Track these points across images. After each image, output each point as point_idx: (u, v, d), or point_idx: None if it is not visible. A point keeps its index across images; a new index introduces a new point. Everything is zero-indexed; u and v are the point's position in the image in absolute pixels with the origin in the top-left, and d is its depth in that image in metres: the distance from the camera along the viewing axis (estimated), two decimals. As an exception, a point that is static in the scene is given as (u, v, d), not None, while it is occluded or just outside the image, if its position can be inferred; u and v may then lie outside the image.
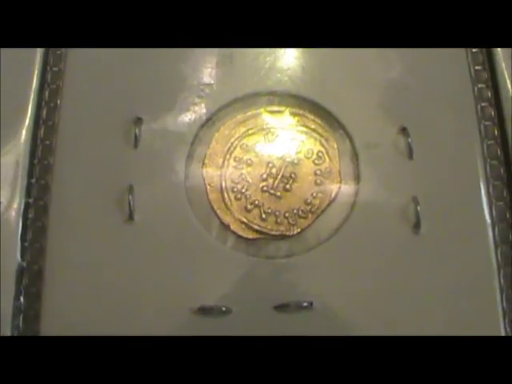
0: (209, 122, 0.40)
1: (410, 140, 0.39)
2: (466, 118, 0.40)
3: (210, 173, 0.39)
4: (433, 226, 0.38)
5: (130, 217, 0.38)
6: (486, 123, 0.40)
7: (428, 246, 0.38)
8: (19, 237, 0.39)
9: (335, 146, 0.40)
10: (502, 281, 0.37)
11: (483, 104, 0.40)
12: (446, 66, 0.41)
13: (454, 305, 0.37)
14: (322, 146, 0.39)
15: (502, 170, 0.39)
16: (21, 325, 0.38)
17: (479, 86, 0.40)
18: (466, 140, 0.40)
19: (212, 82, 0.41)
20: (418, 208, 0.38)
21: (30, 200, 0.40)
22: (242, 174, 0.39)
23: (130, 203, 0.38)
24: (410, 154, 0.39)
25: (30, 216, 0.39)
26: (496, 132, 0.40)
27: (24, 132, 0.41)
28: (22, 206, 0.40)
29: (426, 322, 0.37)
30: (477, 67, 0.41)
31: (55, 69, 0.42)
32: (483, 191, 0.39)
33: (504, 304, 0.37)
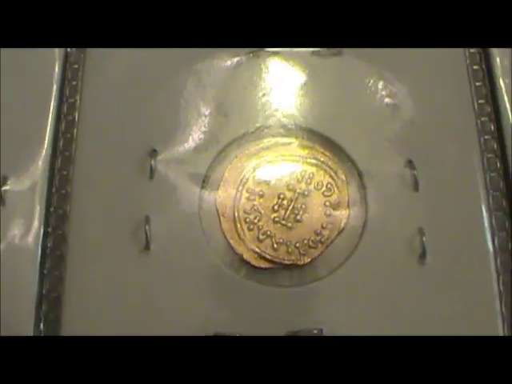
0: (222, 154, 0.42)
1: (415, 172, 0.40)
2: (469, 150, 0.42)
3: (224, 203, 0.41)
4: (438, 256, 0.39)
5: (147, 246, 0.40)
6: (489, 155, 0.41)
7: (433, 275, 0.39)
8: (38, 265, 0.40)
9: (344, 178, 0.41)
10: (503, 308, 0.39)
11: (486, 137, 0.42)
12: (451, 100, 0.42)
13: (458, 329, 0.39)
14: (331, 178, 0.41)
15: (503, 202, 0.40)
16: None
17: (482, 119, 0.42)
18: (470, 172, 0.41)
19: (225, 114, 0.42)
20: (424, 239, 0.39)
21: (49, 229, 0.41)
22: (254, 205, 0.41)
23: (146, 233, 0.40)
24: (416, 186, 0.40)
25: (49, 245, 0.41)
26: (498, 164, 0.41)
27: (41, 162, 0.42)
28: (41, 235, 0.41)
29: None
30: (480, 101, 0.42)
31: (71, 100, 0.44)
32: (486, 222, 0.40)
33: (505, 330, 0.38)
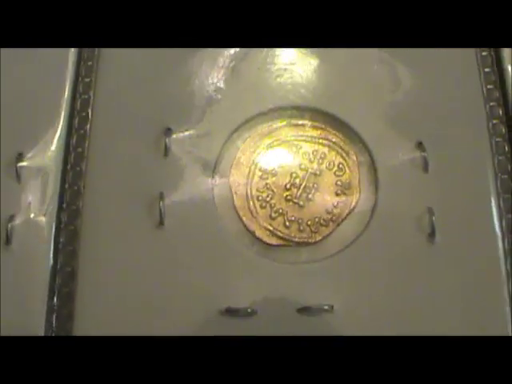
0: (235, 134, 0.42)
1: (425, 154, 0.41)
2: (478, 134, 0.42)
3: (237, 182, 0.41)
4: (446, 236, 0.40)
5: (161, 222, 0.40)
6: (497, 139, 0.42)
7: (442, 254, 0.40)
8: (52, 240, 0.41)
9: (355, 159, 0.42)
10: (510, 288, 0.40)
11: (494, 121, 0.43)
12: (460, 85, 0.43)
13: (465, 307, 0.39)
14: (343, 158, 0.42)
15: (511, 185, 0.41)
16: (54, 323, 0.40)
17: (491, 104, 0.43)
18: (478, 154, 0.42)
19: (239, 95, 0.43)
20: (433, 218, 0.40)
21: (64, 205, 0.42)
22: (266, 183, 0.41)
23: (160, 209, 0.40)
24: (426, 167, 0.41)
25: (63, 220, 0.41)
26: (506, 148, 0.42)
27: (56, 139, 0.43)
28: (56, 211, 0.41)
29: (438, 323, 0.39)
30: (489, 86, 0.43)
31: (86, 80, 0.44)
32: (494, 204, 0.41)
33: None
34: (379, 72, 0.43)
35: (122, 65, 0.44)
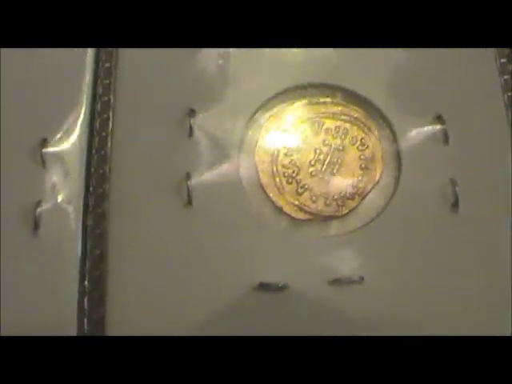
0: (258, 113, 0.43)
1: (445, 127, 0.42)
2: (494, 105, 0.43)
3: (262, 159, 0.42)
4: (469, 205, 0.41)
5: (189, 202, 0.41)
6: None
7: (466, 222, 0.41)
8: (81, 223, 0.41)
9: (376, 133, 0.43)
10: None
11: (509, 94, 0.44)
12: (476, 58, 0.44)
13: (489, 273, 0.40)
14: (365, 133, 0.43)
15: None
16: (86, 307, 0.40)
17: (505, 77, 0.44)
18: (496, 125, 0.43)
19: (260, 74, 0.43)
20: (457, 188, 0.41)
21: (90, 188, 0.42)
22: (291, 160, 0.42)
23: (188, 189, 0.41)
24: (446, 139, 0.42)
25: (90, 203, 0.42)
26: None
27: (79, 124, 0.43)
28: (82, 195, 0.42)
29: (463, 289, 0.40)
30: (502, 60, 0.44)
31: (107, 65, 0.44)
32: (513, 170, 0.42)
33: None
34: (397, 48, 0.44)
35: (142, 50, 0.44)
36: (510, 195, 0.41)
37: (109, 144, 0.43)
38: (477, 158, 0.42)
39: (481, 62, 0.44)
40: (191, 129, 0.42)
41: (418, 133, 0.43)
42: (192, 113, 0.42)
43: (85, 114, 0.43)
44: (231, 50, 0.44)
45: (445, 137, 0.42)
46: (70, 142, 0.43)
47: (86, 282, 0.40)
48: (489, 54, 0.44)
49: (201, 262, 0.40)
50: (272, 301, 0.39)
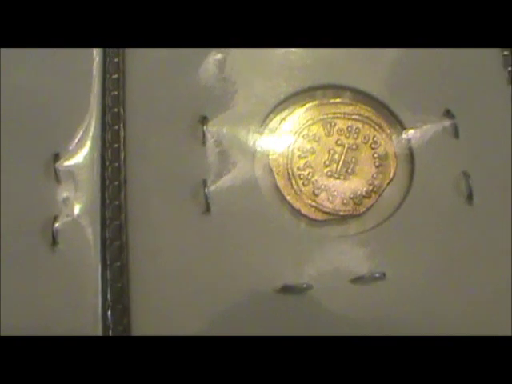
0: (270, 116, 0.43)
1: (454, 121, 0.43)
2: (501, 97, 0.44)
3: (277, 162, 0.42)
4: (484, 197, 0.42)
5: (207, 209, 0.41)
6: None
7: (481, 214, 0.42)
8: (99, 235, 0.41)
9: (388, 131, 0.43)
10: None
11: (514, 86, 0.45)
12: (479, 51, 0.45)
13: (504, 263, 0.41)
14: (377, 131, 0.43)
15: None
16: (109, 320, 0.40)
17: (510, 69, 0.45)
18: (503, 117, 0.44)
19: (270, 78, 0.44)
20: (470, 181, 0.41)
21: (106, 201, 0.42)
22: (307, 161, 0.42)
23: (206, 196, 0.41)
24: (456, 133, 0.43)
25: (108, 215, 0.41)
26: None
27: (91, 137, 0.43)
28: (99, 207, 0.41)
29: (482, 280, 0.41)
30: (505, 52, 0.45)
31: (114, 76, 0.44)
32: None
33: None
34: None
35: (149, 57, 0.44)
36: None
37: (122, 155, 0.42)
38: (487, 150, 0.43)
39: (485, 54, 0.45)
40: (204, 136, 0.42)
41: (429, 128, 0.43)
42: (204, 120, 0.42)
43: (95, 126, 0.43)
44: (238, 54, 0.44)
45: (455, 131, 0.43)
46: (82, 155, 0.42)
47: (109, 295, 0.40)
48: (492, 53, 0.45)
49: (222, 269, 0.40)
50: (296, 302, 0.40)
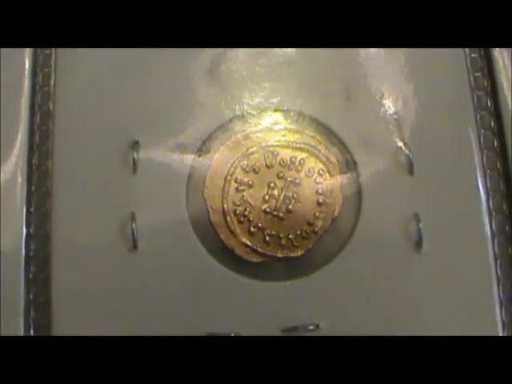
0: (207, 143, 0.40)
1: (410, 155, 0.39)
2: (465, 127, 0.40)
3: (212, 195, 0.39)
4: (434, 242, 0.38)
5: (134, 245, 0.38)
6: (486, 132, 0.40)
7: (430, 262, 0.38)
8: (23, 269, 0.39)
9: (336, 163, 0.39)
10: (501, 293, 0.38)
11: (482, 113, 0.40)
12: (445, 73, 0.40)
13: (455, 316, 0.38)
14: (323, 163, 0.39)
15: (501, 183, 0.39)
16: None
17: (478, 93, 0.40)
18: (466, 151, 0.40)
19: (209, 101, 0.40)
20: (420, 225, 0.38)
21: (31, 230, 0.39)
22: (243, 195, 0.39)
23: (133, 232, 0.38)
24: (411, 169, 0.39)
25: (32, 247, 0.39)
26: (495, 143, 0.40)
27: (15, 158, 0.40)
28: (24, 237, 0.39)
29: (429, 331, 0.38)
30: (476, 74, 0.40)
31: (45, 89, 0.41)
32: (483, 204, 0.39)
33: (503, 316, 0.38)
34: (359, 70, 0.40)
35: (81, 70, 0.41)
36: (478, 228, 0.39)
37: (49, 180, 0.40)
38: (444, 189, 0.39)
39: (451, 77, 0.40)
40: (135, 163, 0.39)
41: (381, 162, 0.39)
42: (136, 145, 0.39)
43: (22, 144, 0.40)
44: (175, 75, 0.40)
45: (409, 166, 0.39)
46: (6, 177, 0.40)
47: (32, 331, 0.39)
48: (461, 66, 0.40)
49: (148, 309, 0.38)
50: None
